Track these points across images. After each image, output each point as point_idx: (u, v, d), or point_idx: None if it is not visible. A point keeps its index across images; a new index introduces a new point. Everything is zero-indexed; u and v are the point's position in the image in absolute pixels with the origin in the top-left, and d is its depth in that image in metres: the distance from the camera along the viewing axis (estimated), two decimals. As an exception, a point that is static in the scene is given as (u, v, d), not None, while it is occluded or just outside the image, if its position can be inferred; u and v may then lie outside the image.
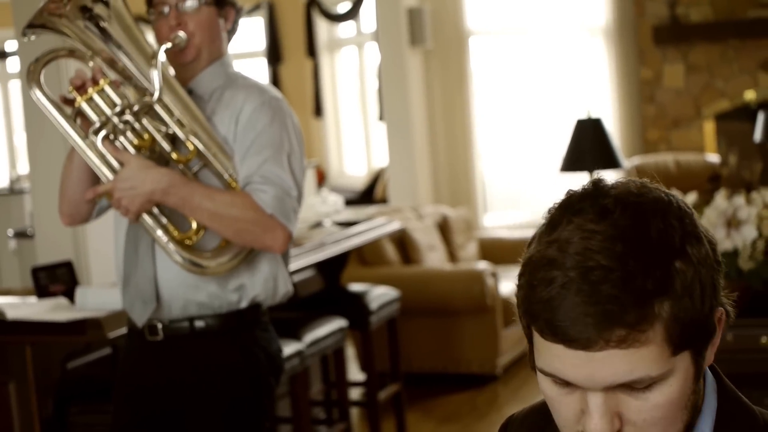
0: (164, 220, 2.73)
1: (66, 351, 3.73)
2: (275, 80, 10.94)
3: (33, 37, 2.78)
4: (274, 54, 11.08)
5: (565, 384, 1.19)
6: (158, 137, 2.74)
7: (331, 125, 10.99)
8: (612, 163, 5.51)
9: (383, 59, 7.87)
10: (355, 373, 6.01)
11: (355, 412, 5.47)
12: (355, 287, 5.14)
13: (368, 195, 9.81)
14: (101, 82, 2.71)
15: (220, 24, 2.88)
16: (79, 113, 2.73)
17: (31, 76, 2.72)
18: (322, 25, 10.75)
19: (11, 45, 11.56)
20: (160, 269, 2.81)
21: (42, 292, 3.87)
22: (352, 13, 10.15)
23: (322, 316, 4.43)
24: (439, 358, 6.07)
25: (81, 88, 2.71)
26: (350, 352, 6.11)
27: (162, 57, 2.73)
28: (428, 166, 7.95)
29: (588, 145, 5.50)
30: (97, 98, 2.71)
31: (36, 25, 2.73)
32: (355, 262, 6.08)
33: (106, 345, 3.81)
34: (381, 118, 9.15)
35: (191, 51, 2.84)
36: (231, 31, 2.95)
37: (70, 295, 3.77)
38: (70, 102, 2.73)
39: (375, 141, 10.32)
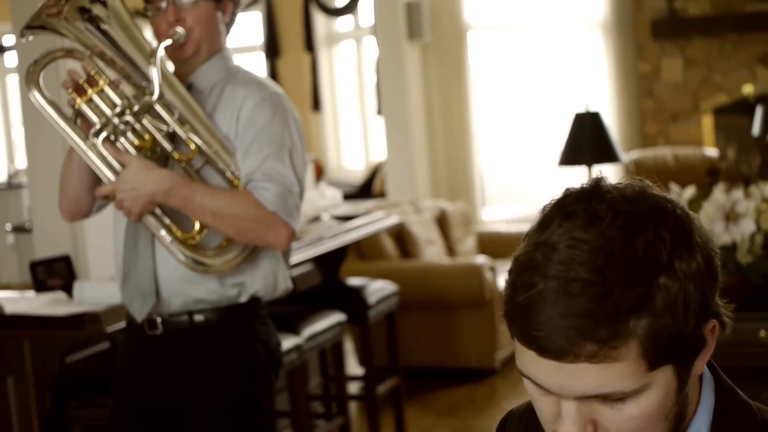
0: (167, 221, 2.73)
1: (64, 345, 3.73)
2: (273, 74, 10.93)
3: (31, 38, 2.77)
4: (272, 48, 11.07)
5: (542, 386, 1.19)
6: (159, 137, 2.73)
7: (330, 119, 10.99)
8: (610, 157, 5.51)
9: (381, 53, 7.86)
10: (353, 367, 6.02)
11: (353, 406, 5.47)
12: (354, 281, 5.14)
13: (366, 189, 9.81)
14: (100, 82, 2.70)
15: (218, 17, 2.87)
16: (79, 114, 2.72)
17: (29, 77, 2.70)
18: (320, 19, 10.74)
19: (9, 39, 11.55)
20: (159, 264, 2.81)
21: (40, 286, 3.87)
22: (350, 7, 10.14)
23: (320, 311, 4.43)
24: (438, 352, 6.08)
25: (79, 89, 2.70)
26: (349, 346, 6.11)
27: (161, 55, 2.72)
28: (426, 161, 7.95)
29: (586, 139, 5.50)
30: (96, 99, 2.70)
31: (34, 26, 2.72)
32: (353, 256, 6.08)
33: (104, 339, 3.81)
34: (379, 112, 9.15)
35: (190, 46, 2.83)
36: (229, 24, 2.94)
37: (68, 289, 3.76)
38: (69, 103, 2.72)
39: (373, 135, 10.32)
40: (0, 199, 9.14)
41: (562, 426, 1.18)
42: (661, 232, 1.15)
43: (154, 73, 2.69)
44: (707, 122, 8.63)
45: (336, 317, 4.44)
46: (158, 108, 2.73)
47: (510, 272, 1.19)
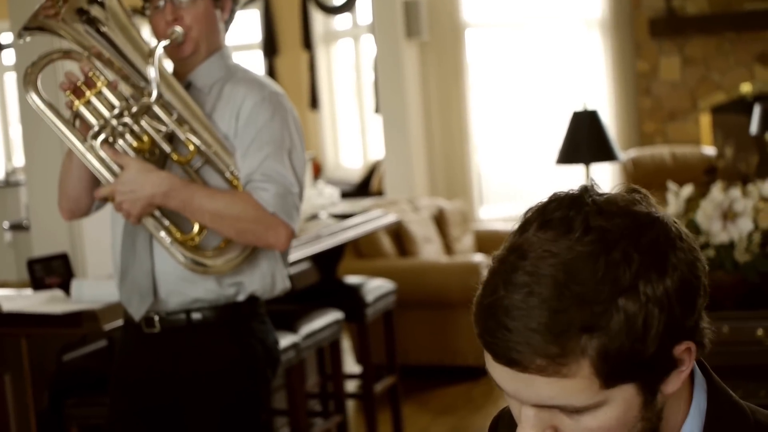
0: (166, 222, 2.73)
1: (62, 343, 3.73)
2: (271, 73, 10.92)
3: (28, 39, 2.77)
4: (270, 46, 11.06)
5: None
6: (158, 138, 2.73)
7: (327, 118, 10.98)
8: (608, 155, 5.50)
9: (379, 51, 7.86)
10: (351, 365, 6.02)
11: (351, 405, 5.47)
12: (351, 279, 5.14)
13: (364, 187, 9.81)
14: (98, 84, 2.69)
15: (217, 15, 2.86)
16: (77, 116, 2.71)
17: (27, 80, 2.70)
18: (318, 18, 10.74)
19: (6, 37, 11.53)
20: (157, 263, 2.80)
21: (38, 284, 3.87)
22: (348, 6, 10.14)
23: (318, 309, 4.43)
24: (435, 350, 6.07)
25: (77, 91, 2.70)
26: (346, 345, 6.11)
27: (159, 55, 2.71)
28: (424, 159, 7.95)
29: (584, 137, 5.50)
30: (95, 101, 2.69)
31: (32, 27, 2.72)
32: (351, 254, 6.07)
33: (102, 337, 3.80)
34: (377, 110, 9.15)
35: (189, 45, 2.82)
36: (228, 22, 2.94)
37: (65, 287, 3.76)
38: (67, 105, 2.71)
39: (371, 133, 10.32)
40: (-2, 197, 9.14)
41: (521, 430, 1.20)
42: (630, 253, 1.14)
43: (152, 74, 2.68)
44: (705, 121, 8.63)
45: (333, 315, 4.44)
46: (156, 109, 2.72)
47: (486, 271, 1.21)
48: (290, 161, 2.79)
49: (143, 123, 2.72)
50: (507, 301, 1.15)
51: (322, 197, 6.06)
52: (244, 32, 11.13)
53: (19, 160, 11.28)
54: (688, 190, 3.72)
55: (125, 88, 2.76)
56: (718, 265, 3.51)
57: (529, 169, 8.68)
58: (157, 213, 2.72)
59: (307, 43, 10.75)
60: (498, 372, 1.18)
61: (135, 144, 2.72)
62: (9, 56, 11.72)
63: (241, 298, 2.83)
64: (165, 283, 2.80)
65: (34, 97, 2.70)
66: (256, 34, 11.16)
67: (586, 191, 1.20)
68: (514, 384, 1.17)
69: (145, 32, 2.87)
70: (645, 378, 1.17)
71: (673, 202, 3.70)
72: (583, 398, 1.15)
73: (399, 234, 6.31)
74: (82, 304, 3.52)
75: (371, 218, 5.36)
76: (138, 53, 2.75)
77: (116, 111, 2.69)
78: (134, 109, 2.70)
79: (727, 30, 8.48)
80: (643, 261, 1.14)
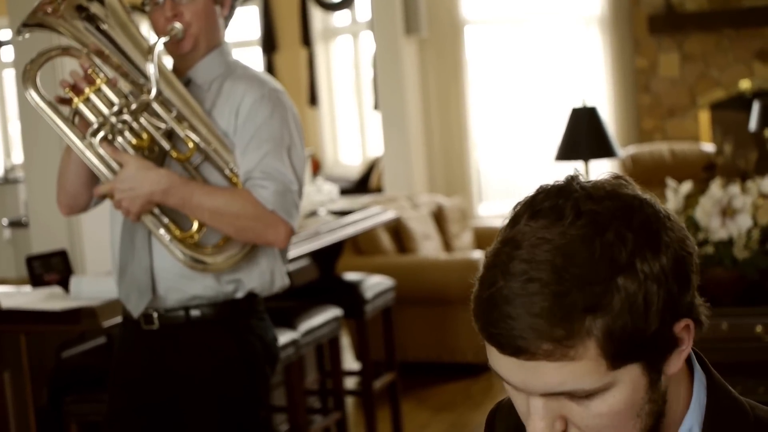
0: (165, 220, 2.72)
1: (61, 340, 3.73)
2: (270, 69, 10.92)
3: (27, 35, 2.76)
4: (269, 43, 11.06)
5: (509, 383, 1.20)
6: (157, 136, 2.72)
7: (326, 114, 10.98)
8: (607, 152, 5.50)
9: (378, 48, 7.86)
10: (350, 362, 6.02)
11: (350, 401, 5.47)
12: (350, 276, 5.13)
13: (363, 184, 9.81)
14: (98, 81, 2.69)
15: (216, 11, 2.86)
16: (76, 113, 2.71)
17: (26, 77, 2.69)
18: (316, 14, 10.73)
19: (5, 34, 11.53)
20: (156, 260, 2.80)
21: (36, 281, 3.87)
22: (347, 2, 10.14)
23: (317, 306, 4.43)
24: (434, 347, 6.08)
25: (76, 88, 2.69)
26: (345, 342, 6.11)
27: (158, 52, 2.71)
28: (423, 156, 7.95)
29: (583, 134, 5.49)
30: (94, 98, 2.69)
31: (30, 24, 2.71)
32: (350, 251, 6.07)
33: (100, 334, 3.80)
34: (376, 107, 9.15)
35: (189, 41, 2.82)
36: (228, 18, 2.93)
37: (64, 284, 3.76)
38: (66, 102, 2.71)
39: (370, 130, 10.32)
40: (-4, 193, 9.14)
41: (531, 422, 1.19)
42: (623, 233, 1.15)
43: (152, 71, 2.68)
44: (704, 117, 8.64)
45: (332, 312, 4.44)
46: (156, 106, 2.72)
47: (481, 267, 1.21)
48: (289, 158, 2.79)
49: (142, 120, 2.72)
50: (507, 290, 1.15)
51: (321, 194, 6.05)
52: (243, 29, 11.13)
53: (18, 157, 11.28)
54: (687, 186, 3.72)
55: (124, 85, 2.76)
56: (717, 262, 3.51)
57: (528, 165, 8.68)
58: (156, 210, 2.72)
59: (306, 39, 10.75)
60: (504, 365, 1.18)
61: (134, 141, 2.72)
62: (8, 53, 11.72)
63: (239, 295, 2.83)
64: (164, 280, 2.80)
65: (33, 95, 2.69)
66: (255, 31, 11.16)
67: (573, 179, 1.22)
68: (522, 374, 1.17)
69: (145, 29, 2.86)
70: (649, 357, 1.17)
71: (672, 198, 3.70)
72: (592, 381, 1.15)
73: (398, 231, 6.31)
74: (81, 301, 3.52)
75: (370, 215, 5.36)
76: (137, 50, 2.75)
77: (115, 108, 2.69)
78: (133, 106, 2.70)
79: (726, 27, 8.48)
80: (637, 240, 1.16)
